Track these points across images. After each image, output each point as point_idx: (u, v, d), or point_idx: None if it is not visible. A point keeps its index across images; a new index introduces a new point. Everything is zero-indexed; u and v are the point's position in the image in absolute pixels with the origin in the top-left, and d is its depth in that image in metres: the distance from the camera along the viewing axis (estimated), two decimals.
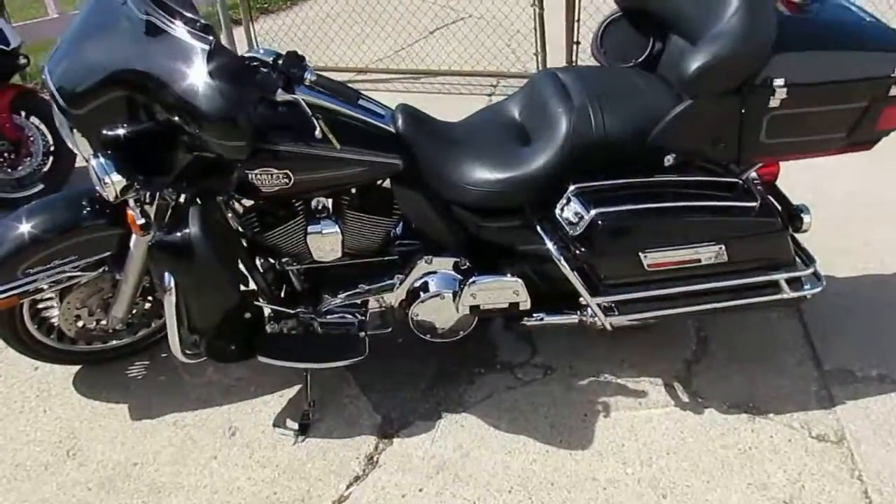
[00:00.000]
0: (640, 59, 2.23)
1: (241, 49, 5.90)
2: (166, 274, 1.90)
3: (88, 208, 2.08)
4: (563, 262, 1.97)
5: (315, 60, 6.08)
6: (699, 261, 1.97)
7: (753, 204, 1.93)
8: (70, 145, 1.88)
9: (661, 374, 2.33)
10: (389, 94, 5.52)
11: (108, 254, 2.15)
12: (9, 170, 3.69)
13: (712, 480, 1.96)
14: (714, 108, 1.81)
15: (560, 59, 5.16)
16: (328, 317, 2.22)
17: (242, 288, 2.13)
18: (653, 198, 1.91)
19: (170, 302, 1.92)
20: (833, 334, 2.45)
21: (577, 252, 1.95)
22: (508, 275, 2.12)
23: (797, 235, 2.16)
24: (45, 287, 2.11)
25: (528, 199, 2.02)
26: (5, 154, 3.69)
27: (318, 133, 1.80)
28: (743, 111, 1.81)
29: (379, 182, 2.10)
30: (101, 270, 2.18)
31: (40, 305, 2.27)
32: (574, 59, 5.14)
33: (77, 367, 2.48)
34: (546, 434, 2.12)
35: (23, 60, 3.59)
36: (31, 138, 3.62)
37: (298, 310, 2.20)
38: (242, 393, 2.34)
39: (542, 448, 2.08)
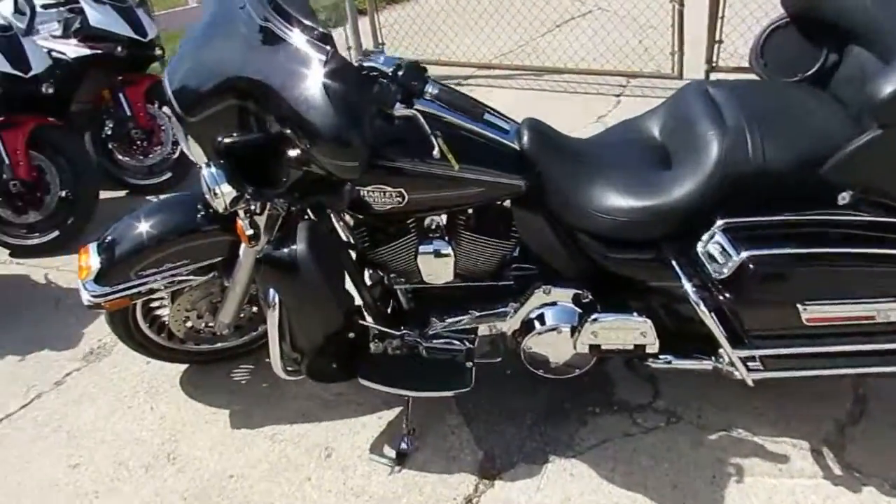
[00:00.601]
0: (807, 74, 1.93)
1: (367, 41, 5.87)
2: (271, 289, 1.81)
3: (202, 213, 2.04)
4: (701, 306, 1.73)
5: (437, 54, 5.98)
6: (874, 318, 1.67)
7: None
8: (186, 151, 1.83)
9: (806, 435, 2.03)
10: (512, 92, 5.34)
11: (219, 259, 2.11)
12: (140, 157, 3.85)
13: None
14: None
15: (699, 59, 4.78)
16: (434, 341, 2.08)
17: (354, 305, 2.03)
18: (819, 240, 1.63)
19: (273, 318, 1.84)
20: None
21: (721, 297, 1.69)
22: (635, 314, 1.89)
23: None
24: (157, 289, 2.09)
25: (665, 232, 1.79)
26: (138, 142, 3.84)
27: (435, 152, 1.65)
28: None
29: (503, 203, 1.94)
30: (211, 275, 2.15)
31: (153, 304, 2.27)
32: (715, 60, 4.74)
33: (185, 366, 2.48)
34: (667, 496, 1.89)
35: (158, 51, 3.66)
36: (163, 127, 3.72)
37: (404, 331, 2.07)
38: (342, 410, 2.25)
39: None
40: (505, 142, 1.84)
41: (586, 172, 1.87)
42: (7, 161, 3.24)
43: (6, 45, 3.19)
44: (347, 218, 1.99)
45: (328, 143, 1.51)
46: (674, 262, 1.78)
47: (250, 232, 1.80)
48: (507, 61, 5.80)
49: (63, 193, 3.42)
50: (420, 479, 1.99)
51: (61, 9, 3.88)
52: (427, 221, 1.93)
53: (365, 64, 1.72)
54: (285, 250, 1.75)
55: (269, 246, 1.79)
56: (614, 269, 1.90)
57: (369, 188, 1.75)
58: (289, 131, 1.58)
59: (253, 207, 1.80)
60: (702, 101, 1.86)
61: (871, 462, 1.93)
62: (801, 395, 2.14)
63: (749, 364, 1.82)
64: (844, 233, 1.62)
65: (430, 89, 1.63)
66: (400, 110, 1.62)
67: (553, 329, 1.95)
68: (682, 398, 2.19)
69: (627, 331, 1.89)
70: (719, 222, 1.69)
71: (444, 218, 1.96)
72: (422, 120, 1.64)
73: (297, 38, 1.55)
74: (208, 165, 1.69)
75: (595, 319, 1.89)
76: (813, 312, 1.66)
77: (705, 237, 1.71)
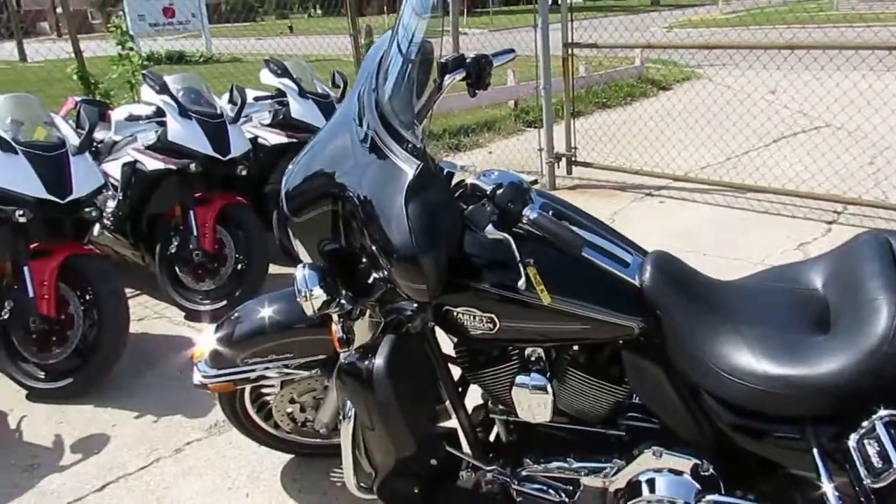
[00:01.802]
0: None
1: (560, 143, 5.85)
2: (347, 400, 1.72)
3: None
4: None
5: (626, 160, 5.80)
6: None
7: None
8: (293, 251, 1.83)
9: None
10: (707, 207, 5.00)
11: (322, 357, 2.07)
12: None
13: None
14: None
15: None
16: (526, 484, 1.84)
17: (439, 431, 1.88)
18: None
19: (346, 430, 1.75)
20: None
21: None
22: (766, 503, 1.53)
23: None
24: (260, 378, 2.10)
25: (809, 412, 1.44)
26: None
27: (521, 282, 1.48)
28: None
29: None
30: (314, 371, 2.12)
31: (263, 390, 2.29)
32: None
33: (289, 457, 2.45)
34: None
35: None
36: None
37: (494, 466, 1.86)
38: None
39: None
40: (622, 276, 1.62)
41: (719, 323, 1.58)
42: (196, 233, 3.56)
43: (213, 130, 3.57)
44: (452, 338, 1.87)
45: (398, 261, 1.43)
46: (815, 451, 1.42)
47: (341, 336, 1.74)
48: (711, 175, 5.45)
49: (238, 266, 3.68)
50: None
51: (272, 101, 4.32)
52: (528, 352, 1.74)
53: (468, 180, 1.62)
54: (365, 363, 1.66)
55: (353, 354, 1.71)
56: (743, 443, 1.56)
57: (460, 309, 1.62)
58: (371, 243, 1.51)
59: (352, 313, 1.74)
60: (879, 254, 1.52)
61: None
62: None
63: None
64: None
65: (529, 214, 1.48)
66: (492, 233, 1.49)
67: (662, 501, 1.64)
68: None
69: None
70: (882, 412, 1.33)
71: (549, 351, 1.76)
72: (513, 245, 1.49)
73: (392, 149, 1.50)
74: (304, 267, 1.67)
75: (713, 501, 1.56)
76: None
77: (862, 428, 1.35)
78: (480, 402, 1.96)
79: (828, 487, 1.37)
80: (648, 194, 5.40)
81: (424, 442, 1.78)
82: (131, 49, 5.67)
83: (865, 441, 1.33)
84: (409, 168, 1.46)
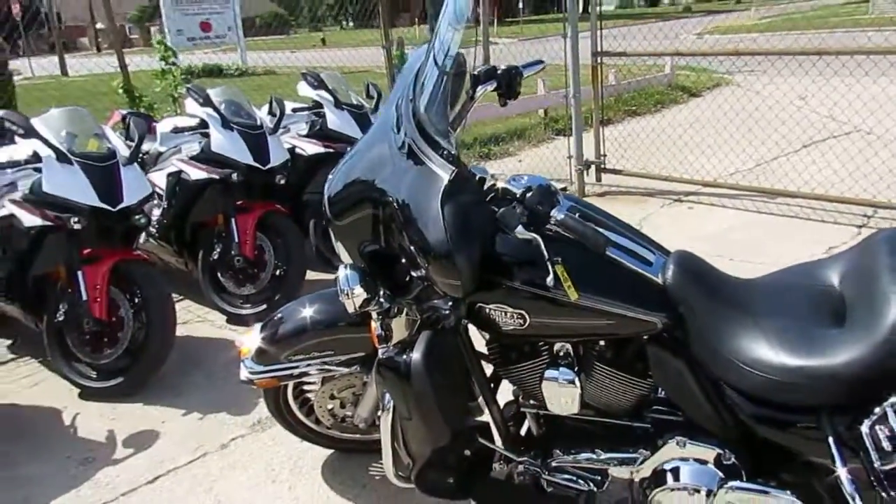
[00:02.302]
0: None
1: (589, 151, 5.93)
2: (386, 393, 1.83)
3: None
4: (857, 500, 1.41)
5: (655, 166, 5.86)
6: None
7: None
8: (336, 251, 1.96)
9: None
10: (735, 212, 5.04)
11: (362, 355, 2.18)
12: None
13: None
14: None
15: None
16: (557, 475, 1.93)
17: (473, 423, 1.99)
18: None
19: (385, 421, 1.86)
20: None
21: (884, 494, 1.38)
22: (786, 491, 1.61)
23: None
24: (303, 375, 2.22)
25: (825, 401, 1.51)
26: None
27: (549, 279, 1.59)
28: None
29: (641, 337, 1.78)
30: (354, 368, 2.23)
31: (305, 388, 2.41)
32: None
33: (330, 451, 2.57)
34: None
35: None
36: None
37: (525, 458, 1.96)
38: None
39: None
40: (646, 273, 1.71)
41: (739, 317, 1.66)
42: (237, 240, 3.72)
43: (254, 141, 3.73)
44: (484, 334, 1.97)
45: (434, 260, 1.54)
46: (830, 439, 1.49)
47: (380, 333, 1.86)
48: (740, 181, 5.48)
49: (276, 272, 3.83)
50: None
51: (309, 112, 4.49)
52: (557, 347, 1.83)
53: (499, 185, 1.73)
54: (403, 357, 1.78)
55: (391, 349, 1.82)
56: (763, 433, 1.64)
57: (492, 306, 1.72)
58: (408, 244, 1.63)
59: (390, 311, 1.86)
60: (893, 251, 1.59)
61: None
62: None
63: None
64: None
65: (557, 215, 1.58)
66: (522, 233, 1.60)
67: (685, 488, 1.71)
68: None
69: None
70: (893, 399, 1.40)
71: (577, 346, 1.85)
72: (542, 244, 1.59)
73: (428, 156, 1.62)
74: (345, 267, 1.79)
75: (734, 487, 1.64)
76: None
77: (874, 415, 1.42)
78: (511, 398, 2.06)
79: (842, 472, 1.45)
80: (677, 200, 5.45)
81: (459, 433, 1.89)
82: (174, 64, 5.89)
83: (877, 427, 1.41)
84: (444, 173, 1.57)
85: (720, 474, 1.69)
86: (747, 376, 1.59)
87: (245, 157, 3.68)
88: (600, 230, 1.61)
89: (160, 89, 5.97)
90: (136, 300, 3.20)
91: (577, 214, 1.62)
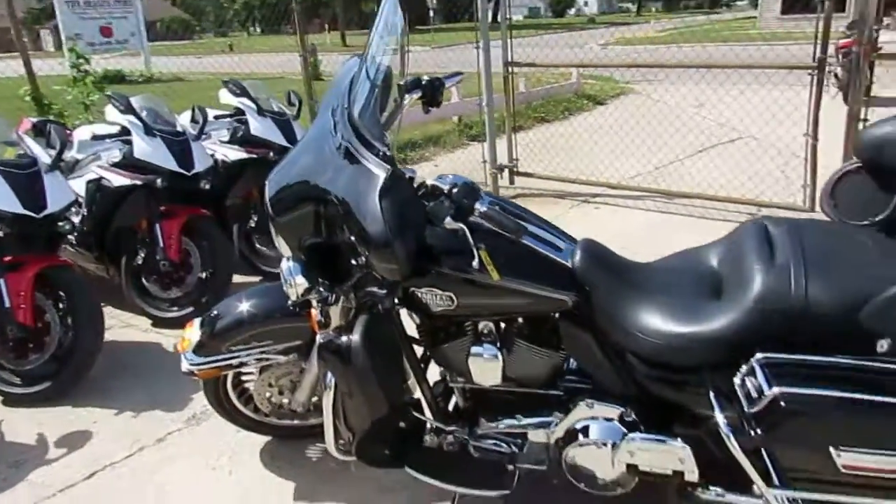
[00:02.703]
0: (878, 219, 1.91)
1: (502, 155, 6.23)
2: (328, 372, 2.01)
3: (290, 302, 2.30)
4: (732, 439, 1.70)
5: (564, 170, 6.22)
6: None
7: None
8: (276, 245, 2.11)
9: None
10: (638, 212, 5.43)
11: (299, 343, 2.34)
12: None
13: None
14: None
15: None
16: (482, 441, 2.16)
17: (407, 397, 2.18)
18: (858, 387, 1.57)
19: (327, 399, 2.03)
20: None
21: (752, 432, 1.66)
22: (678, 439, 1.88)
23: None
24: (242, 364, 2.35)
25: (705, 360, 1.80)
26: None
27: (475, 263, 1.81)
28: None
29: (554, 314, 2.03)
30: (291, 356, 2.38)
31: (243, 377, 2.54)
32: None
33: (267, 438, 2.70)
34: None
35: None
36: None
37: (454, 428, 2.17)
38: (396, 496, 2.36)
39: None
40: (557, 259, 1.96)
41: (635, 294, 1.93)
42: (162, 244, 3.77)
43: (177, 148, 3.79)
44: (415, 317, 2.17)
45: (375, 248, 1.73)
46: (710, 393, 1.78)
47: (320, 319, 2.03)
48: (641, 183, 5.91)
49: (203, 275, 3.90)
50: None
51: (231, 119, 4.56)
52: (481, 326, 2.06)
53: (428, 182, 1.94)
54: (343, 339, 1.96)
55: (331, 333, 2.00)
56: (657, 391, 1.92)
57: (423, 290, 1.93)
58: (350, 235, 1.81)
59: (329, 299, 2.03)
60: (758, 236, 1.89)
61: None
62: None
63: None
64: (884, 381, 1.56)
65: (480, 207, 1.80)
66: (450, 224, 1.81)
67: (594, 443, 1.97)
68: None
69: (664, 454, 1.88)
70: (758, 356, 1.69)
71: (498, 325, 2.08)
72: (468, 233, 1.81)
73: (365, 157, 1.81)
74: (288, 260, 1.96)
75: (632, 439, 1.90)
76: (849, 460, 1.58)
77: (743, 370, 1.71)
78: (439, 378, 2.27)
79: (719, 418, 1.73)
80: (585, 201, 5.82)
81: (395, 408, 2.08)
82: (86, 72, 5.80)
83: (746, 379, 1.69)
84: (381, 172, 1.76)
85: (623, 429, 1.95)
86: (643, 343, 1.86)
87: (169, 163, 3.73)
88: (517, 220, 1.84)
89: (72, 97, 5.85)
90: (62, 305, 3.21)
91: (497, 207, 1.85)
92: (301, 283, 1.93)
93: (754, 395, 1.66)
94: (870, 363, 1.58)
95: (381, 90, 2.03)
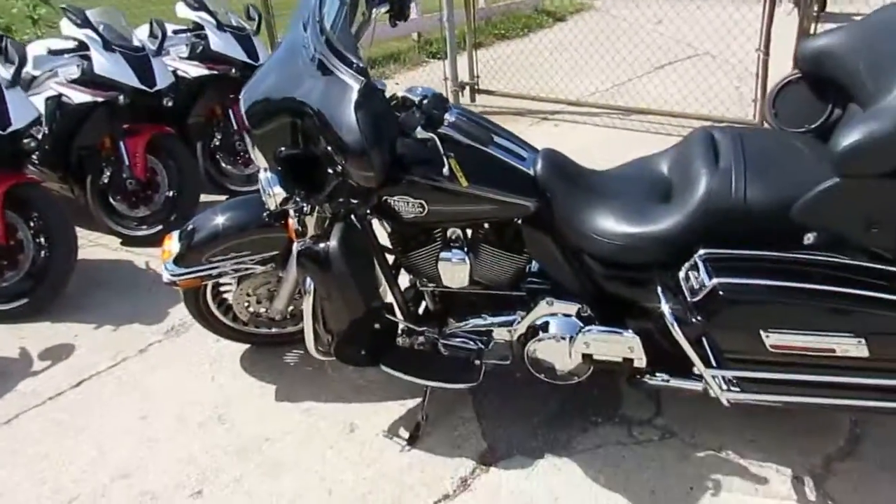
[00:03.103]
0: (814, 126, 2.08)
1: (463, 73, 6.26)
2: (307, 278, 2.14)
3: (268, 212, 2.40)
4: (676, 326, 1.90)
5: (523, 87, 6.29)
6: (833, 351, 1.79)
7: None
8: (252, 157, 2.19)
9: (792, 464, 2.13)
10: (596, 129, 5.55)
11: (276, 253, 2.45)
12: (242, 167, 4.29)
13: None
14: (865, 190, 1.65)
15: None
16: (451, 340, 2.34)
17: (381, 301, 2.33)
18: (786, 276, 1.77)
19: (307, 302, 2.17)
20: None
21: (694, 319, 1.87)
22: (629, 331, 2.09)
23: None
24: (221, 274, 2.47)
25: (654, 258, 1.98)
26: (241, 153, 4.29)
27: (445, 170, 1.93)
28: None
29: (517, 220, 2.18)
30: (269, 266, 2.50)
31: (222, 289, 2.66)
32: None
33: (247, 346, 2.85)
34: (643, 499, 2.05)
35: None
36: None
37: (425, 328, 2.34)
38: (370, 394, 2.55)
39: None
40: (520, 167, 2.09)
41: (592, 200, 2.09)
42: (127, 162, 3.78)
43: (137, 64, 3.75)
44: (386, 226, 2.30)
45: (351, 155, 1.84)
46: (658, 287, 1.97)
47: (297, 228, 2.15)
48: (599, 100, 6.01)
49: (170, 193, 3.94)
50: (426, 458, 2.25)
51: (189, 34, 4.49)
52: (450, 232, 2.20)
53: (399, 94, 2.03)
54: (321, 245, 2.08)
55: (308, 241, 2.12)
56: (611, 288, 2.10)
57: (396, 198, 2.05)
58: (327, 145, 1.91)
59: (305, 209, 2.15)
60: (704, 143, 2.05)
61: (849, 495, 2.03)
62: (797, 428, 2.25)
63: (729, 387, 1.97)
64: (811, 271, 1.76)
65: (449, 117, 1.92)
66: (421, 133, 1.92)
67: (553, 336, 2.16)
68: (681, 418, 2.34)
69: (616, 344, 2.08)
70: (700, 252, 1.87)
71: (465, 232, 2.22)
72: (437, 142, 1.93)
73: (339, 69, 1.88)
74: (266, 171, 2.05)
75: (588, 331, 2.10)
76: (776, 340, 1.80)
77: (687, 264, 1.90)
78: (409, 285, 2.42)
79: (665, 309, 1.93)
80: (544, 118, 5.92)
81: (370, 310, 2.23)
82: None
83: (690, 272, 1.88)
84: (355, 83, 1.84)
85: (579, 323, 2.15)
86: (599, 244, 2.03)
87: (130, 79, 3.70)
88: (484, 129, 1.96)
89: (17, 10, 5.63)
90: (33, 224, 3.25)
91: (465, 118, 1.96)
92: (279, 192, 2.04)
93: (696, 286, 1.85)
94: (797, 255, 1.78)
95: (350, 4, 2.08)
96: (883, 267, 1.74)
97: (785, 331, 1.79)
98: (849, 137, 1.60)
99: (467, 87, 6.33)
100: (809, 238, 1.76)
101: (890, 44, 1.71)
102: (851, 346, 1.76)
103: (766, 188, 1.82)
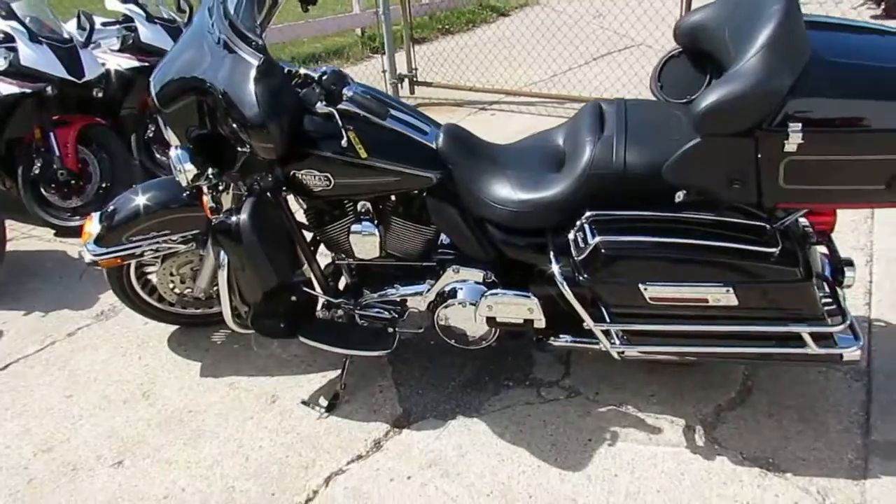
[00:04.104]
0: (694, 97, 2.22)
1: (402, 65, 6.36)
2: (221, 251, 2.22)
3: (186, 192, 2.47)
4: (564, 284, 2.04)
5: (464, 80, 6.42)
6: (706, 301, 1.94)
7: (772, 250, 1.87)
8: (166, 137, 2.26)
9: (685, 415, 2.29)
10: (532, 117, 5.70)
11: (197, 231, 2.52)
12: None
13: None
14: (724, 148, 1.79)
15: None
16: (367, 310, 2.44)
17: (298, 275, 2.42)
18: (661, 232, 1.92)
19: (222, 275, 2.25)
20: None
21: (580, 276, 2.00)
22: (528, 293, 2.21)
23: (844, 291, 2.06)
24: (143, 253, 2.52)
25: (547, 223, 2.11)
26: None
27: (343, 142, 2.03)
28: (759, 154, 1.78)
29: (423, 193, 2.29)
30: (190, 245, 2.57)
31: (146, 269, 2.72)
32: None
33: (174, 327, 2.91)
34: (544, 451, 2.18)
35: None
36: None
37: (342, 300, 2.44)
38: (294, 368, 2.63)
39: (534, 462, 2.14)
40: (422, 141, 2.20)
41: (492, 171, 2.21)
42: (58, 153, 3.79)
43: (65, 55, 3.77)
44: (301, 203, 2.39)
45: (250, 128, 1.93)
46: (551, 250, 2.10)
47: (212, 205, 2.22)
48: (537, 90, 6.17)
49: (103, 184, 3.96)
50: (343, 424, 2.34)
51: (120, 27, 4.50)
52: (359, 206, 2.30)
53: (301, 71, 2.13)
54: (233, 219, 2.16)
55: (222, 216, 2.20)
56: (511, 254, 2.23)
57: (303, 172, 2.14)
58: (231, 121, 2.00)
59: (219, 186, 2.22)
60: (593, 115, 2.18)
61: (734, 439, 2.18)
62: (694, 383, 2.41)
63: (616, 339, 2.11)
64: (684, 227, 1.91)
65: (347, 92, 2.01)
66: (321, 108, 2.02)
67: (460, 302, 2.28)
68: (586, 379, 2.48)
69: (517, 306, 2.21)
70: (587, 214, 2.01)
71: (375, 204, 2.32)
72: (337, 116, 2.02)
73: (240, 48, 1.97)
74: (177, 148, 2.13)
75: (490, 294, 2.22)
76: (654, 292, 1.94)
77: (575, 226, 2.03)
78: (329, 261, 2.51)
79: (555, 268, 2.06)
80: (482, 109, 6.05)
81: (284, 282, 2.32)
82: None
83: (577, 234, 2.02)
84: (254, 60, 1.93)
85: (484, 288, 2.27)
86: (498, 212, 2.15)
87: (58, 70, 3.72)
88: (384, 104, 2.07)
89: None
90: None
91: (364, 93, 2.06)
92: (189, 168, 2.11)
93: (581, 244, 1.99)
94: (670, 214, 1.92)
95: None
96: (745, 221, 1.90)
97: (661, 283, 1.93)
98: (706, 100, 1.74)
99: (406, 80, 6.43)
100: (680, 196, 1.90)
101: (747, 13, 1.85)
102: (721, 295, 1.91)
103: (642, 153, 1.96)
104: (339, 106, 2.04)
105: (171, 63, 2.15)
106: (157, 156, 4.53)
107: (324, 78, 2.04)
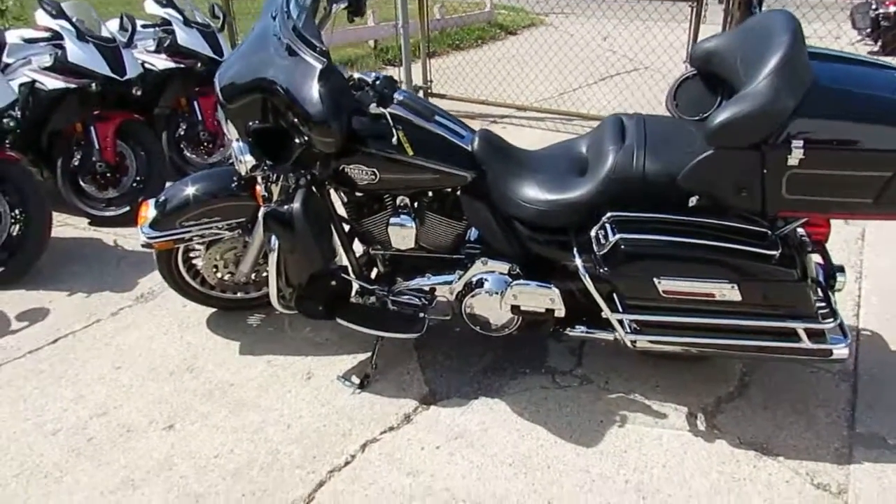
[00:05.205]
0: (706, 115, 2.46)
1: (417, 77, 6.61)
2: (273, 237, 2.44)
3: (236, 182, 2.69)
4: (587, 276, 2.26)
5: (477, 94, 6.67)
6: (713, 295, 2.16)
7: (773, 253, 2.10)
8: (225, 131, 2.49)
9: (688, 404, 2.51)
10: (540, 132, 5.96)
11: (243, 219, 2.74)
12: (205, 156, 4.57)
13: (694, 497, 2.13)
14: (734, 160, 2.03)
15: None
16: (399, 297, 2.66)
17: (337, 262, 2.64)
18: (675, 232, 2.14)
19: (272, 259, 2.47)
20: (881, 404, 2.48)
21: (600, 269, 2.23)
22: (550, 284, 2.43)
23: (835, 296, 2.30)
24: (192, 238, 2.74)
25: (570, 221, 2.34)
26: (204, 143, 4.57)
27: (394, 140, 2.26)
28: (765, 167, 2.01)
29: (457, 191, 2.51)
30: (236, 232, 2.79)
31: (191, 254, 2.93)
32: None
33: (213, 310, 3.12)
34: (560, 429, 2.40)
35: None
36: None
37: (376, 287, 2.66)
38: (327, 349, 2.84)
39: (551, 438, 2.35)
40: (460, 144, 2.43)
41: (521, 173, 2.44)
42: (97, 146, 4.01)
43: (108, 54, 4.00)
44: (343, 196, 2.61)
45: (315, 124, 2.16)
46: (574, 246, 2.32)
47: (265, 194, 2.45)
48: (546, 106, 6.43)
49: (137, 177, 4.18)
50: (374, 399, 2.56)
51: (157, 29, 4.74)
52: (398, 200, 2.52)
53: (355, 76, 2.36)
54: (285, 207, 2.38)
55: (274, 205, 2.42)
56: (536, 249, 2.45)
57: (352, 166, 2.37)
58: (293, 118, 2.22)
59: (272, 177, 2.45)
60: (616, 127, 2.42)
61: (733, 426, 2.40)
62: (696, 377, 2.63)
63: (629, 329, 2.33)
64: (696, 229, 2.14)
65: (398, 96, 2.25)
66: (374, 109, 2.25)
67: (487, 291, 2.50)
68: (598, 369, 2.70)
69: (539, 296, 2.43)
70: (608, 214, 2.24)
71: (411, 200, 2.54)
72: (388, 117, 2.26)
73: (305, 52, 2.20)
74: (237, 141, 2.35)
75: (516, 285, 2.45)
76: (666, 286, 2.17)
77: (597, 226, 2.26)
78: (362, 252, 2.74)
79: (578, 262, 2.29)
80: (493, 121, 6.31)
81: (328, 266, 2.54)
82: None
83: (598, 232, 2.25)
84: (318, 64, 2.17)
85: (510, 279, 2.49)
86: (526, 210, 2.38)
87: (102, 67, 3.94)
88: (429, 108, 2.30)
89: None
90: (9, 198, 3.46)
91: (411, 98, 2.29)
92: (249, 160, 2.34)
93: (602, 241, 2.22)
94: (683, 217, 2.16)
95: (312, 1, 2.41)
96: (749, 227, 2.13)
97: (673, 278, 2.16)
98: (720, 116, 1.97)
99: (421, 91, 6.69)
100: (693, 201, 2.14)
101: (757, 42, 2.10)
102: (726, 291, 2.14)
103: (660, 161, 2.19)
104: (390, 108, 2.27)
105: (236, 63, 2.38)
106: (187, 153, 4.76)
107: (377, 82, 2.27)
